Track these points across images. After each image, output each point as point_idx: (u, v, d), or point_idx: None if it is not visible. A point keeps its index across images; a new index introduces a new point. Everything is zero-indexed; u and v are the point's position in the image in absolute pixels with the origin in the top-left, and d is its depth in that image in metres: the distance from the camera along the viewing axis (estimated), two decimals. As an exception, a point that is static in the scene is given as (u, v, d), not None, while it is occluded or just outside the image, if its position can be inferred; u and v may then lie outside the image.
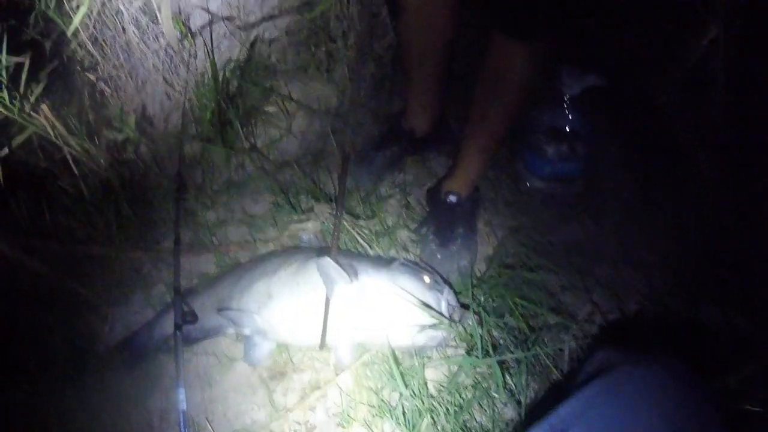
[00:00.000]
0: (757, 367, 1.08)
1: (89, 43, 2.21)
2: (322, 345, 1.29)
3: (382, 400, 1.26)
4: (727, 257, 1.33)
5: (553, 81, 1.51)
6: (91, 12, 1.74)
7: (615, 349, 0.94)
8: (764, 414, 1.04)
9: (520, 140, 1.61)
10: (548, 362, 1.28)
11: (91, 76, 2.24)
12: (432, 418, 1.18)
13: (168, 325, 1.44)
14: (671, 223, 1.48)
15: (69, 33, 1.82)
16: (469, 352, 1.28)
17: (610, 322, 1.34)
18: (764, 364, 1.08)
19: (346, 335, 1.30)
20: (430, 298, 1.25)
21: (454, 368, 1.30)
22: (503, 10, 1.17)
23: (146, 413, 1.45)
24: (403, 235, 1.50)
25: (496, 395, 1.26)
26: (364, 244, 1.46)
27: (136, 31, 1.91)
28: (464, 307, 1.31)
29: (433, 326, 1.24)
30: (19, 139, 1.63)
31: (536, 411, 1.26)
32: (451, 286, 1.31)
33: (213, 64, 1.70)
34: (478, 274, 1.43)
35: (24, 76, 1.57)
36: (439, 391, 1.27)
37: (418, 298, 1.23)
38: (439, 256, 1.43)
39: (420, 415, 1.19)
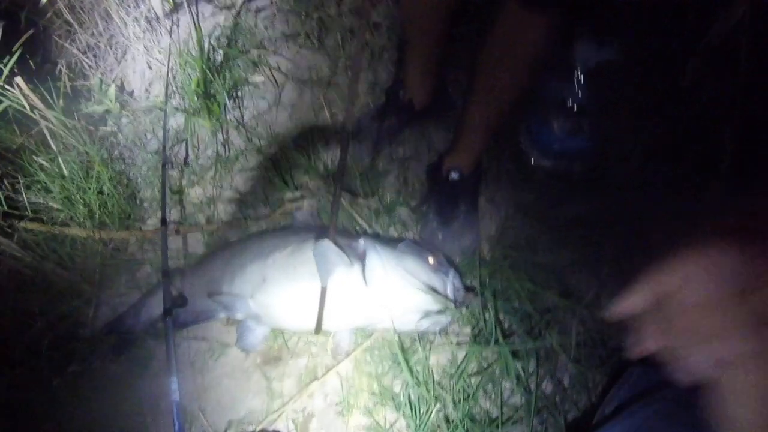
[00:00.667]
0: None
1: (66, 10, 2.10)
2: (318, 330, 1.22)
3: (384, 387, 1.21)
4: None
5: (566, 52, 1.42)
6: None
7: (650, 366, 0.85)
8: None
9: (526, 113, 1.53)
10: (556, 347, 1.23)
11: (69, 46, 2.13)
12: (440, 404, 1.13)
13: (156, 307, 1.38)
14: (680, 199, 1.42)
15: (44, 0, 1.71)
16: (475, 338, 1.23)
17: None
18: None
19: (345, 320, 1.23)
20: (435, 280, 1.19)
21: (459, 353, 1.24)
22: None
23: (136, 400, 1.39)
24: (403, 213, 1.43)
25: (502, 382, 1.22)
26: (363, 223, 1.38)
27: (114, -3, 1.80)
28: (469, 289, 1.25)
29: (437, 310, 1.18)
30: (-7, 114, 1.53)
31: (543, 398, 1.22)
32: (456, 268, 1.25)
33: (199, 30, 1.60)
34: (482, 255, 1.37)
35: (-4, 47, 1.47)
36: (444, 377, 1.22)
37: (423, 281, 1.17)
38: (440, 236, 1.36)
39: (426, 402, 1.14)
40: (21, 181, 1.64)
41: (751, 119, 1.18)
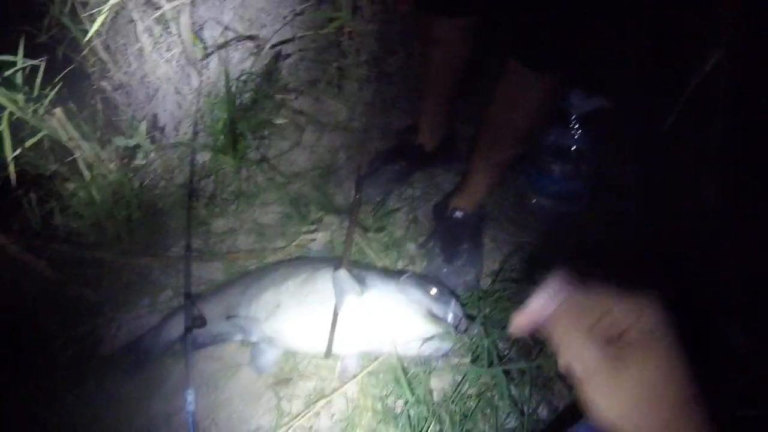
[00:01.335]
0: (753, 378, 1.10)
1: (102, 49, 2.24)
2: (328, 354, 1.31)
3: (387, 407, 1.29)
4: (727, 274, 1.36)
5: (561, 102, 1.55)
6: (105, 20, 1.77)
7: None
8: (760, 416, 1.06)
9: (527, 158, 1.65)
10: (552, 373, 1.31)
11: (103, 83, 2.27)
12: (437, 424, 1.20)
13: (175, 329, 1.46)
14: (673, 241, 1.51)
15: (84, 40, 1.85)
16: (473, 362, 1.31)
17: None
18: (760, 374, 1.10)
19: (352, 345, 1.32)
20: (437, 309, 1.28)
21: (459, 377, 1.32)
22: (521, 40, 1.21)
23: (149, 418, 1.45)
24: (411, 248, 1.54)
25: (499, 404, 1.29)
26: (373, 256, 1.49)
27: (149, 40, 1.94)
28: (470, 318, 1.33)
29: (439, 337, 1.27)
30: (31, 141, 1.64)
31: (538, 422, 1.29)
32: (457, 298, 1.34)
33: (227, 75, 1.74)
34: (484, 288, 1.46)
35: (38, 80, 1.58)
36: (444, 399, 1.29)
37: (425, 309, 1.26)
38: (445, 270, 1.46)
39: (426, 421, 1.21)
40: (54, 206, 1.74)
41: (732, 163, 1.28)
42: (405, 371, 1.29)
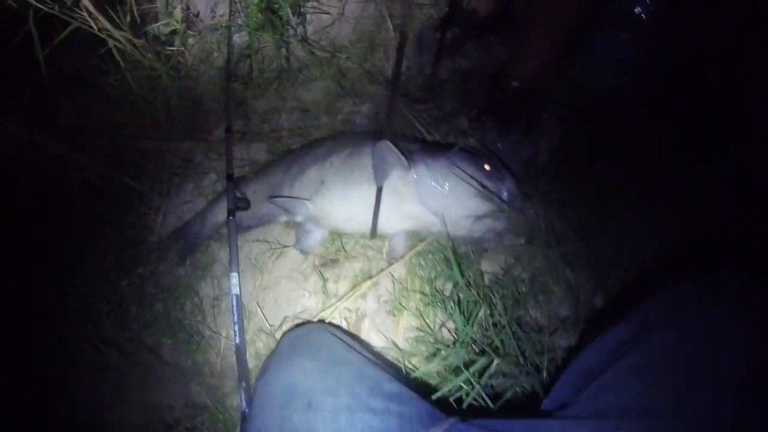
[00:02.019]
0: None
1: (128, -68, 2.11)
2: (373, 234, 1.25)
3: (436, 290, 1.23)
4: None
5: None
6: None
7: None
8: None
9: (589, 24, 1.47)
10: (610, 259, 1.21)
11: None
12: (489, 308, 1.14)
13: (220, 213, 1.43)
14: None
15: None
16: (529, 243, 1.22)
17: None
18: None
19: (399, 223, 1.25)
20: (490, 185, 1.18)
21: (511, 260, 1.24)
22: None
23: (198, 301, 1.47)
24: (463, 121, 1.42)
25: (554, 290, 1.21)
26: (421, 129, 1.38)
27: None
28: (526, 196, 1.23)
29: (492, 215, 1.18)
30: (62, 35, 1.58)
31: (593, 311, 1.21)
32: (513, 175, 1.24)
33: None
34: (542, 165, 1.35)
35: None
36: (495, 282, 1.22)
37: (478, 185, 1.16)
38: (499, 146, 1.35)
39: (476, 305, 1.15)
40: (91, 99, 1.70)
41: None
42: (455, 252, 1.21)
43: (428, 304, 1.22)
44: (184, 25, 1.91)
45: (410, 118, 1.39)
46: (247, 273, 1.41)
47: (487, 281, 1.23)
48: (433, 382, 1.10)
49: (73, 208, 1.62)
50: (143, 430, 1.36)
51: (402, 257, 1.28)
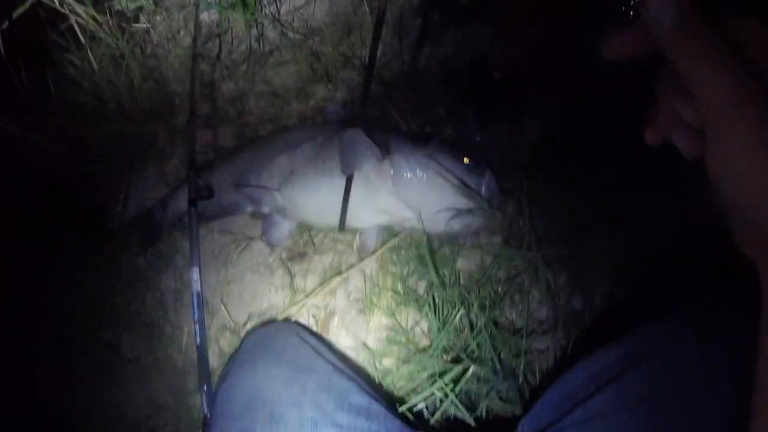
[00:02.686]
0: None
1: None
2: (342, 226, 1.18)
3: (409, 288, 1.17)
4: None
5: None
6: None
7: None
8: None
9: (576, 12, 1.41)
10: (590, 260, 1.17)
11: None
12: (465, 309, 1.09)
13: (183, 201, 1.35)
14: None
15: None
16: (506, 242, 1.17)
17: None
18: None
19: (372, 217, 1.18)
20: (469, 179, 1.12)
21: (489, 259, 1.19)
22: None
23: (159, 294, 1.40)
24: (441, 111, 1.35)
25: (531, 291, 1.17)
26: (398, 118, 1.32)
27: None
28: (505, 192, 1.18)
29: (470, 211, 1.12)
30: (21, 10, 1.48)
31: (571, 313, 1.17)
32: (492, 170, 1.18)
33: None
34: (522, 161, 1.29)
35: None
36: (471, 282, 1.17)
37: (455, 180, 1.10)
38: (478, 138, 1.29)
39: (453, 306, 1.10)
40: (50, 78, 1.61)
41: None
42: (431, 249, 1.15)
43: (401, 303, 1.17)
44: (151, 0, 1.82)
45: (386, 106, 1.32)
46: (210, 266, 1.34)
47: (463, 281, 1.17)
48: (405, 387, 1.05)
49: (28, 194, 1.53)
50: (101, 430, 1.29)
51: (374, 252, 1.22)
